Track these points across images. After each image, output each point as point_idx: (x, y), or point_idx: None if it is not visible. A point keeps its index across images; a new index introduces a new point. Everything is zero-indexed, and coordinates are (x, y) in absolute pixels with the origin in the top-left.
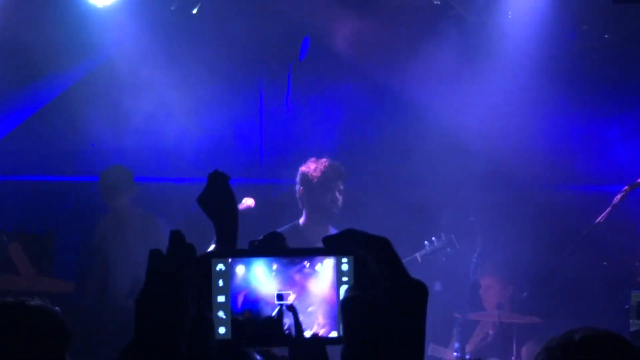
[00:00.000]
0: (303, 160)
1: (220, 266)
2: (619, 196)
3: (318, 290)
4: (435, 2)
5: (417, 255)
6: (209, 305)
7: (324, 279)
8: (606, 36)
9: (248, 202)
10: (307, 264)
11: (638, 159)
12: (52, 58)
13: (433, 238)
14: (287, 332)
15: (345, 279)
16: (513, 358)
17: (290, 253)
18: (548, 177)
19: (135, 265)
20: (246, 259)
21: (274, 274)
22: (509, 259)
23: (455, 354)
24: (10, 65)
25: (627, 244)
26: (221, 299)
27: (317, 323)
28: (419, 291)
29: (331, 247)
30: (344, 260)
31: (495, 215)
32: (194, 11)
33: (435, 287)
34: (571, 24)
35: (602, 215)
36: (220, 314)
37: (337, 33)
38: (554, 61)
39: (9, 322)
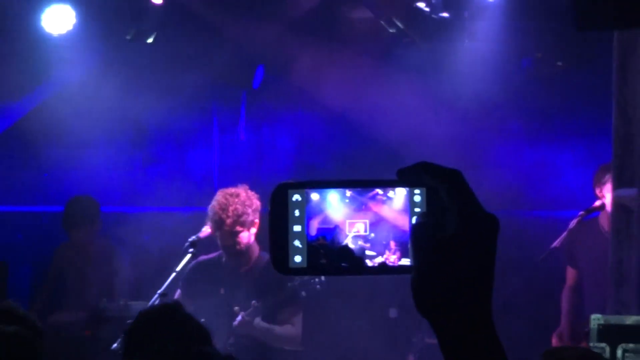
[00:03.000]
0: (257, 188)
1: (297, 197)
2: (575, 221)
3: (391, 217)
4: (391, 31)
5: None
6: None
7: (397, 205)
8: (559, 63)
9: (208, 230)
10: (380, 191)
11: (590, 184)
12: (6, 86)
13: None
14: (359, 259)
15: (417, 209)
16: None
17: (364, 184)
18: (502, 203)
19: (96, 296)
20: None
21: (347, 200)
22: None
23: None
24: None
25: None
26: (297, 228)
27: (388, 249)
28: (491, 224)
29: (404, 179)
30: (417, 192)
31: None
32: (150, 40)
33: (391, 314)
34: (524, 51)
35: (558, 240)
36: (297, 242)
37: (291, 61)
38: (507, 88)
39: None
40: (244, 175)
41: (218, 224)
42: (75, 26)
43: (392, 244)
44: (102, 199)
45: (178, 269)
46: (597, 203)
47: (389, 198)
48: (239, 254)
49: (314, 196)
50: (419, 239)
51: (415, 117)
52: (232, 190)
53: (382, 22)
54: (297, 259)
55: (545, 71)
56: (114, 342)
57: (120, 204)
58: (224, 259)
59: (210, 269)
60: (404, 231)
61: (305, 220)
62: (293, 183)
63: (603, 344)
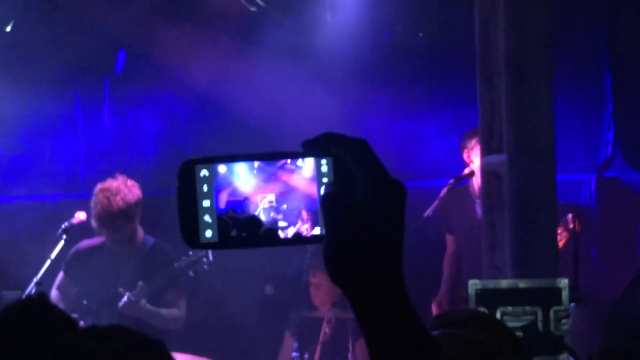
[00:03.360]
0: (125, 172)
1: (204, 172)
2: (445, 189)
3: (301, 186)
4: (252, 9)
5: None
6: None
7: (306, 173)
8: (420, 34)
9: (81, 216)
10: (288, 160)
11: (456, 153)
12: None
13: (190, 252)
14: (271, 231)
15: (325, 179)
16: (350, 354)
17: (269, 157)
18: None
19: None
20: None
21: (256, 171)
22: None
23: (294, 353)
24: None
25: None
26: (206, 203)
27: (300, 219)
28: (398, 191)
29: (310, 149)
30: (323, 162)
31: None
32: (8, 29)
33: (266, 291)
34: (386, 24)
35: (429, 209)
36: (206, 217)
37: (154, 43)
38: (371, 61)
39: None
40: (111, 160)
41: (102, 223)
42: None
43: (304, 213)
44: None
45: (52, 256)
46: (466, 170)
47: (298, 167)
48: (124, 241)
49: (222, 169)
50: (329, 208)
51: (281, 94)
52: (112, 186)
53: (242, 1)
54: (208, 233)
55: (407, 42)
56: None
57: None
58: (107, 244)
59: (93, 254)
60: (314, 200)
61: (214, 194)
62: (200, 158)
63: (482, 309)
